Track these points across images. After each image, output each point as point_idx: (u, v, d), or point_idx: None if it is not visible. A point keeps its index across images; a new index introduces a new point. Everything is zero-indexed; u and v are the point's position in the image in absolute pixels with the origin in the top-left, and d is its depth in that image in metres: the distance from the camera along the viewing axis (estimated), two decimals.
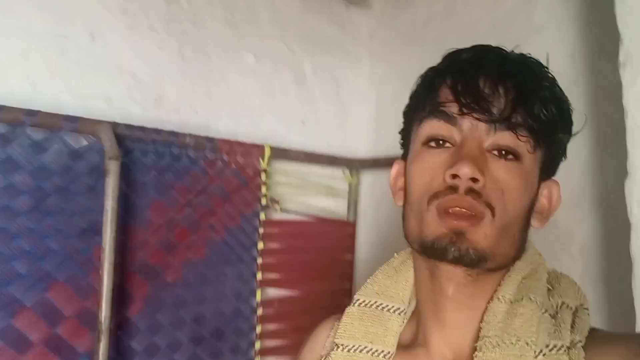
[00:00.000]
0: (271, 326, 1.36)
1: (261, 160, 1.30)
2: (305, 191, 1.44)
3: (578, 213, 1.13)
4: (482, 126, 0.57)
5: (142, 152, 1.13)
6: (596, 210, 1.12)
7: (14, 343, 0.98)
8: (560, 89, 0.60)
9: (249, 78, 1.37)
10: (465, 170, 0.55)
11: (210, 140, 1.22)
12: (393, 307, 0.67)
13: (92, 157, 1.07)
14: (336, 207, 1.53)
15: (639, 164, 0.83)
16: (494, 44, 0.62)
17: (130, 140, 1.10)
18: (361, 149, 1.61)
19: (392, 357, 0.64)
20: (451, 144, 0.59)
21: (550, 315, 0.58)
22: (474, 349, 0.58)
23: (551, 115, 0.58)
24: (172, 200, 1.18)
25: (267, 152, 1.30)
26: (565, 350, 0.54)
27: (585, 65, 1.08)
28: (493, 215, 0.56)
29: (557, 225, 1.22)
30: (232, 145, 1.25)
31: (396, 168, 0.69)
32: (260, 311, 1.33)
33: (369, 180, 1.59)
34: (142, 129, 1.11)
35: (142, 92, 1.19)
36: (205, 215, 1.23)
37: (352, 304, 0.68)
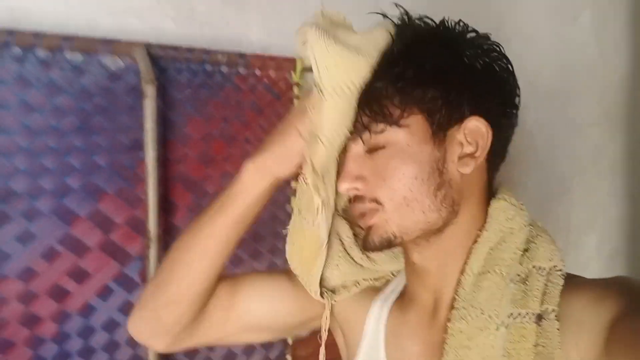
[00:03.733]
0: None
1: (293, 74, 1.31)
2: None
3: (610, 130, 1.13)
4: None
5: (177, 71, 1.16)
6: (628, 128, 1.11)
7: (73, 248, 1.09)
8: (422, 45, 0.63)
9: None
10: (343, 187, 0.65)
11: (242, 56, 1.23)
12: None
13: (129, 78, 1.10)
14: None
15: None
16: None
17: (164, 60, 1.13)
18: None
19: None
20: None
21: (519, 281, 0.61)
22: (451, 307, 0.64)
23: (409, 87, 0.61)
24: (208, 116, 1.23)
25: (299, 66, 1.30)
26: (531, 318, 0.58)
27: None
28: (381, 203, 0.63)
29: (589, 141, 1.23)
30: (264, 61, 1.26)
31: None
32: None
33: None
34: (176, 48, 1.13)
35: (172, 6, 1.19)
36: (240, 129, 1.28)
37: None
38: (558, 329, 0.56)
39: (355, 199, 0.65)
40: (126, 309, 1.15)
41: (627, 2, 1.03)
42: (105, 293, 1.13)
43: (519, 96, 0.67)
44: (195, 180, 1.24)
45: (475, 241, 0.64)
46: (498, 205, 0.65)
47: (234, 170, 1.29)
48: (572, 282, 0.60)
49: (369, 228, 0.65)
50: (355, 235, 0.74)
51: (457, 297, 0.63)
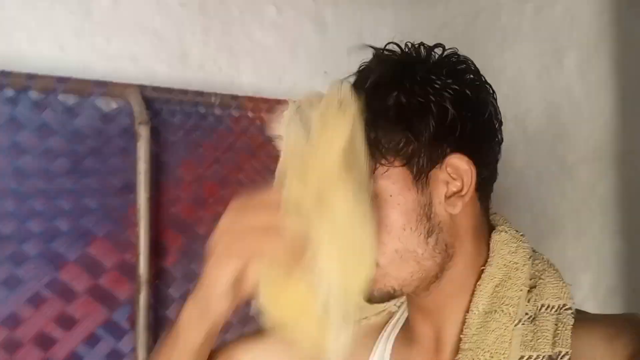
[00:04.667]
0: None
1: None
2: None
3: (599, 168, 1.15)
4: None
5: (170, 113, 1.17)
6: (617, 166, 1.13)
7: (61, 294, 1.06)
8: (410, 91, 0.59)
9: (271, 31, 1.37)
10: None
11: (235, 98, 1.24)
12: None
13: (122, 119, 1.10)
14: None
15: None
16: None
17: (158, 102, 1.14)
18: None
19: None
20: None
21: (527, 321, 0.58)
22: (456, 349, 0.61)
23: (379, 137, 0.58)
24: (200, 158, 1.23)
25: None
26: None
27: (614, 21, 1.06)
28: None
29: (578, 179, 1.25)
30: (257, 103, 1.27)
31: None
32: None
33: None
34: (169, 90, 1.14)
35: (166, 51, 1.20)
36: (233, 170, 1.28)
37: None
38: None
39: None
40: (113, 357, 1.12)
41: (610, 43, 1.07)
42: (92, 340, 1.09)
43: (499, 115, 0.65)
44: (187, 222, 1.22)
45: (478, 278, 0.61)
46: (499, 238, 0.62)
47: None
48: (582, 319, 0.58)
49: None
50: None
51: (463, 337, 0.60)
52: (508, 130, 1.25)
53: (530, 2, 1.22)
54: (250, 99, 1.27)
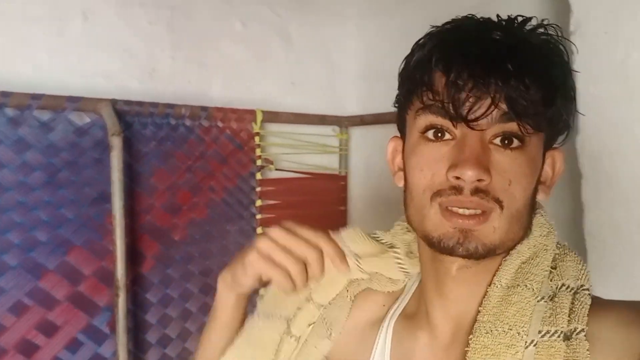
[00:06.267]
0: None
1: (254, 124, 1.39)
2: (298, 150, 1.53)
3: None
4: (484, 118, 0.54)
5: (142, 125, 1.23)
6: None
7: (42, 302, 1.11)
8: (567, 67, 0.58)
9: (239, 45, 1.43)
10: (470, 174, 0.53)
11: (205, 109, 1.30)
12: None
13: (96, 132, 1.16)
14: (328, 162, 1.63)
15: (588, 122, 0.92)
16: None
17: (130, 115, 1.19)
18: (350, 106, 1.68)
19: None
20: (451, 136, 0.56)
21: (547, 299, 0.58)
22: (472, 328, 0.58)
23: (554, 98, 0.55)
24: (173, 167, 1.29)
25: (259, 117, 1.38)
26: (559, 336, 0.54)
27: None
28: (501, 208, 0.55)
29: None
30: (226, 113, 1.34)
31: (392, 146, 0.67)
32: None
33: (358, 136, 1.67)
34: (140, 103, 1.20)
35: (137, 67, 1.26)
36: (205, 178, 1.34)
37: None
38: (588, 350, 0.53)
39: (476, 191, 0.54)
40: None
41: None
42: (74, 345, 1.14)
43: None
44: (162, 229, 1.27)
45: (507, 253, 0.60)
46: (536, 221, 0.62)
47: (199, 218, 1.35)
48: (599, 303, 0.57)
49: (468, 233, 0.55)
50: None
51: (481, 309, 0.58)
52: None
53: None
54: (219, 109, 1.33)
